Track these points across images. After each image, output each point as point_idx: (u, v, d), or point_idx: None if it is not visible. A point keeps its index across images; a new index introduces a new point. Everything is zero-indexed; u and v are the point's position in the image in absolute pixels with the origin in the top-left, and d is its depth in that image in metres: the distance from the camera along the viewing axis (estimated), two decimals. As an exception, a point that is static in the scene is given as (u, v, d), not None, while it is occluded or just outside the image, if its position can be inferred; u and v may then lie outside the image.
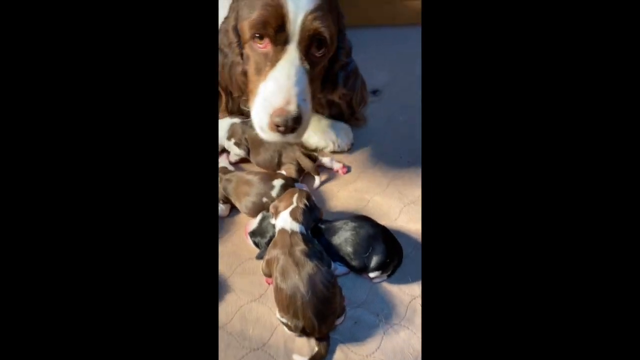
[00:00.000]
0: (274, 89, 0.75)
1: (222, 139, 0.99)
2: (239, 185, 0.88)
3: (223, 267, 0.82)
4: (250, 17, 0.74)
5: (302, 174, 0.97)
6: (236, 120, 0.99)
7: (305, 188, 0.92)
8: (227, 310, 0.75)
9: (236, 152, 0.99)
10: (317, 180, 0.97)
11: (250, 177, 0.89)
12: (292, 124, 0.74)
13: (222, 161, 1.01)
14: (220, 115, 1.00)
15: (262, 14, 0.73)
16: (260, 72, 0.78)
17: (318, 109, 0.97)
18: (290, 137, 0.78)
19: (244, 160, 1.02)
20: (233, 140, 0.98)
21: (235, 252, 0.85)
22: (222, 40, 0.85)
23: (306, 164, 0.95)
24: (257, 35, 0.75)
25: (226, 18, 0.85)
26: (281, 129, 0.75)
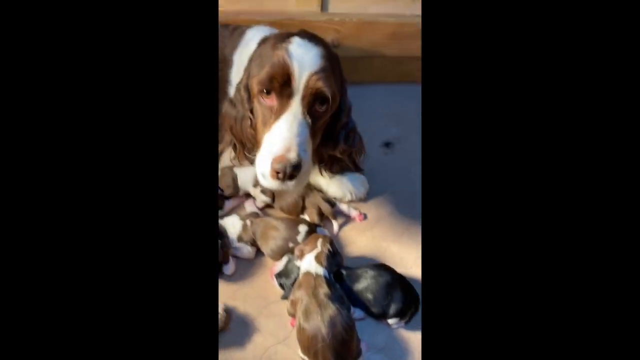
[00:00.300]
0: (277, 138, 0.81)
1: (249, 186, 1.08)
2: (267, 230, 0.95)
3: (250, 308, 0.87)
4: (259, 74, 0.84)
5: (323, 219, 1.05)
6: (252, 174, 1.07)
7: (326, 234, 0.99)
8: (255, 352, 0.80)
9: (262, 199, 1.07)
10: (335, 224, 1.04)
11: (276, 222, 0.96)
12: (291, 171, 0.80)
13: (249, 206, 1.09)
14: (239, 162, 1.07)
15: (269, 71, 0.82)
16: (266, 123, 0.85)
17: (325, 169, 1.05)
18: (289, 185, 0.82)
19: (269, 205, 1.10)
20: (259, 188, 1.06)
21: (261, 295, 0.90)
22: (235, 97, 0.95)
23: (326, 208, 1.03)
24: (264, 90, 0.84)
25: (240, 79, 0.95)
26: (280, 175, 0.79)
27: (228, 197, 1.08)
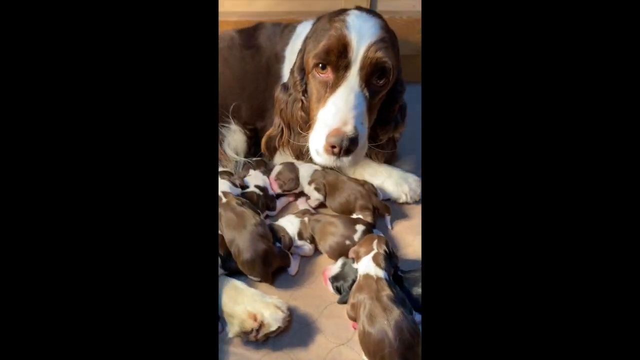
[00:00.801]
0: (332, 111, 0.78)
1: (304, 184, 1.08)
2: (326, 226, 0.95)
3: (311, 309, 0.87)
4: (315, 49, 0.81)
5: (376, 219, 1.03)
6: (317, 167, 1.08)
7: (381, 235, 0.97)
8: (319, 352, 0.80)
9: (315, 197, 1.07)
10: (388, 220, 1.03)
11: (334, 219, 0.96)
12: (348, 145, 0.76)
13: (302, 204, 1.09)
14: (283, 148, 1.06)
15: (326, 43, 0.79)
16: (320, 99, 0.83)
17: (376, 152, 1.01)
18: (345, 161, 0.79)
19: (322, 204, 1.09)
20: (313, 185, 1.06)
21: (321, 296, 0.90)
22: (289, 80, 0.94)
23: (381, 205, 1.02)
24: (320, 64, 0.81)
25: (294, 63, 0.94)
26: (336, 150, 0.77)
27: (278, 196, 1.09)
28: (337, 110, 0.78)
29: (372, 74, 0.81)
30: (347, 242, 0.92)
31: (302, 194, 1.10)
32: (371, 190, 1.03)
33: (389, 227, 1.03)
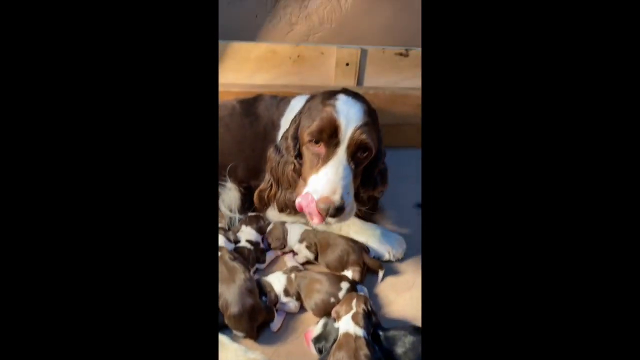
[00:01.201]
0: (323, 180, 0.93)
1: (294, 242, 1.14)
2: (312, 283, 0.99)
3: (291, 367, 0.88)
4: (310, 126, 0.98)
5: (364, 276, 1.08)
6: (308, 227, 1.15)
7: (365, 292, 1.01)
8: (298, 413, 0.79)
9: (304, 254, 1.12)
10: (381, 274, 1.09)
11: (320, 276, 1.00)
12: (334, 212, 0.91)
13: (290, 261, 1.14)
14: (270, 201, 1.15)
15: (319, 124, 0.96)
16: (313, 167, 0.98)
17: (360, 208, 1.12)
18: (332, 221, 0.95)
19: (309, 262, 1.14)
20: (305, 244, 1.12)
21: (304, 353, 0.91)
22: (282, 144, 1.09)
23: (372, 262, 1.09)
24: (314, 140, 0.97)
25: (287, 129, 1.10)
26: (323, 214, 0.91)
27: (268, 250, 1.15)
28: (327, 180, 0.93)
29: (357, 151, 0.99)
30: (332, 300, 0.96)
31: (290, 250, 1.16)
32: (362, 247, 1.10)
33: (379, 282, 1.09)
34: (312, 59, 1.53)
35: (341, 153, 0.95)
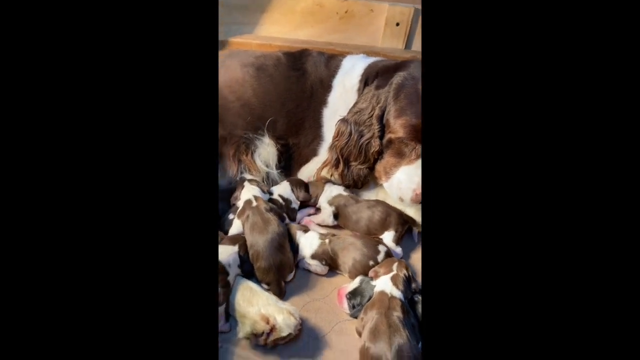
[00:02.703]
0: (418, 174, 0.95)
1: (323, 200, 1.11)
2: (349, 246, 0.96)
3: (322, 323, 0.86)
4: (404, 120, 0.96)
5: (401, 241, 1.04)
6: (344, 192, 1.11)
7: (402, 259, 0.97)
8: (326, 368, 0.77)
9: (325, 218, 1.09)
10: (416, 233, 1.07)
11: (356, 240, 0.97)
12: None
13: (316, 219, 1.10)
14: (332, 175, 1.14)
15: (417, 122, 0.94)
16: (403, 157, 0.99)
17: None
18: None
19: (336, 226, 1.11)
20: (332, 208, 1.09)
21: (334, 311, 0.89)
22: (359, 119, 1.04)
23: (409, 218, 1.06)
24: (413, 138, 0.97)
25: (360, 105, 1.05)
26: (417, 200, 0.98)
27: (300, 208, 1.12)
28: (419, 175, 0.97)
29: None
30: (371, 262, 0.92)
31: (318, 210, 1.13)
32: (399, 211, 1.05)
33: (416, 240, 1.08)
34: (361, 15, 1.44)
35: None
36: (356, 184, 1.11)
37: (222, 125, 1.12)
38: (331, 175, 1.14)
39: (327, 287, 0.95)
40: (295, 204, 1.10)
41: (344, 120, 1.06)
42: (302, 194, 1.11)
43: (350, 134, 1.04)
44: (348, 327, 0.85)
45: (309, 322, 0.85)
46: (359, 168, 1.07)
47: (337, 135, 1.07)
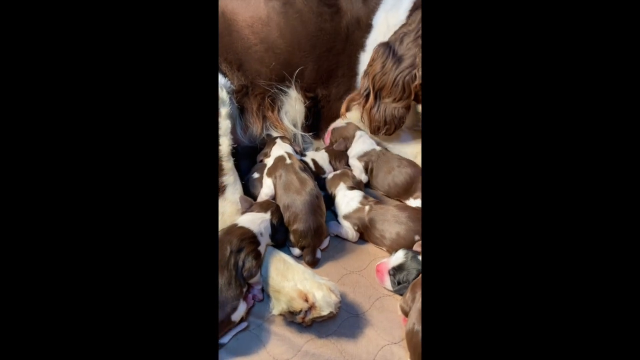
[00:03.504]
0: None
1: (353, 155, 0.99)
2: (389, 219, 0.86)
3: (361, 299, 0.78)
4: None
5: None
6: (377, 148, 0.99)
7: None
8: (368, 348, 0.70)
9: (358, 171, 0.98)
10: None
11: (399, 212, 0.86)
12: None
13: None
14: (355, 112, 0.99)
15: None
16: None
17: None
18: None
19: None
20: (362, 164, 0.98)
21: (373, 286, 0.81)
22: (402, 43, 0.86)
23: None
24: None
25: (414, 24, 0.85)
26: None
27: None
28: None
29: None
30: (417, 237, 0.83)
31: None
32: None
33: None
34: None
35: None
36: (387, 128, 0.91)
37: (243, 72, 0.97)
38: (361, 117, 0.95)
39: (364, 259, 0.86)
40: (328, 175, 0.98)
41: (383, 44, 0.87)
42: (341, 166, 0.98)
43: (387, 59, 0.84)
44: (390, 303, 0.78)
45: (347, 298, 0.77)
46: (394, 106, 0.87)
47: (373, 60, 0.87)
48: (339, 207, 0.89)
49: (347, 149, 1.01)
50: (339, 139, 1.00)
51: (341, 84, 1.00)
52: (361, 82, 0.91)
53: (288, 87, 1.00)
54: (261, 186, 0.89)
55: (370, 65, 0.87)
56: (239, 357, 0.67)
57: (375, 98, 0.88)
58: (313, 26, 0.98)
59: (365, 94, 0.90)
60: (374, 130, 0.94)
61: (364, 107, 0.91)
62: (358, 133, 0.99)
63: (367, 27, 0.96)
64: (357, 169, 0.98)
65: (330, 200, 0.92)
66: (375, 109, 0.89)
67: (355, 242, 0.89)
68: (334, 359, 0.68)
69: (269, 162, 0.91)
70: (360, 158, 0.98)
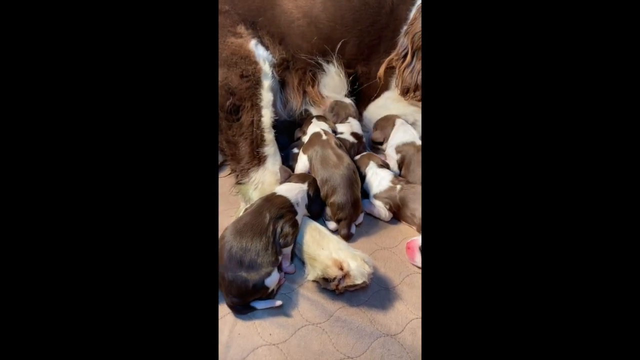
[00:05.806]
0: None
1: (392, 145, 0.99)
2: (420, 198, 0.86)
3: (392, 274, 0.79)
4: None
5: None
6: (418, 142, 0.97)
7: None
8: (398, 320, 0.72)
9: (393, 162, 0.98)
10: None
11: None
12: None
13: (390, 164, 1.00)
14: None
15: None
16: None
17: None
18: None
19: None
20: (398, 156, 0.98)
21: (404, 262, 0.82)
22: None
23: None
24: None
25: None
26: None
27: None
28: None
29: None
30: None
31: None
32: None
33: None
34: None
35: None
36: (404, 92, 0.89)
37: (285, 46, 0.98)
38: (396, 79, 0.90)
39: (396, 237, 0.87)
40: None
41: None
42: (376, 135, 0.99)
43: None
44: (420, 280, 0.79)
45: (378, 272, 0.79)
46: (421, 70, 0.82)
47: (415, 19, 0.85)
48: (370, 186, 0.90)
49: (385, 140, 1.00)
50: (380, 133, 1.00)
51: (383, 60, 0.99)
52: (401, 41, 0.90)
53: (329, 61, 1.00)
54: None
55: (411, 24, 0.86)
56: (273, 317, 0.70)
57: (412, 58, 0.86)
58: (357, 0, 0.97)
59: (403, 53, 0.88)
60: (403, 92, 0.91)
61: (399, 67, 0.89)
62: (398, 121, 0.98)
63: (412, 0, 0.95)
64: (393, 160, 0.98)
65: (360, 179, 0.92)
66: (410, 69, 0.87)
67: (388, 222, 0.91)
68: (364, 327, 0.70)
69: (305, 139, 0.92)
70: (398, 148, 0.97)
